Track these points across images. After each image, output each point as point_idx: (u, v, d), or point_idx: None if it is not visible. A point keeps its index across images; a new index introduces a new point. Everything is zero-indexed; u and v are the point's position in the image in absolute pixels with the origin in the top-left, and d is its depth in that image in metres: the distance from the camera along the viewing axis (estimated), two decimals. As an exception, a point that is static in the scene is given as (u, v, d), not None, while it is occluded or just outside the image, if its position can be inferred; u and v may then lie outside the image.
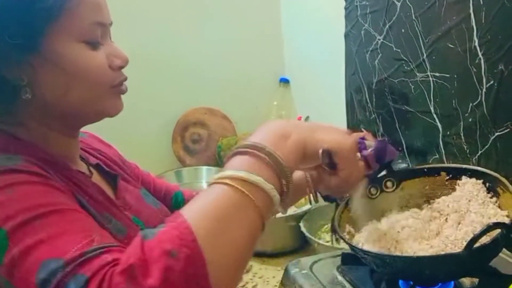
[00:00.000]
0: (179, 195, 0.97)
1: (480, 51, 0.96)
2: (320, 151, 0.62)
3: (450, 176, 0.87)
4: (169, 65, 1.80)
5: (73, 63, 0.65)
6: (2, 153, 0.62)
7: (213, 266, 0.47)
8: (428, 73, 1.10)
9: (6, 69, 0.64)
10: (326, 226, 1.35)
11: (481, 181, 0.82)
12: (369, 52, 1.30)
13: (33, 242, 0.52)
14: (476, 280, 0.80)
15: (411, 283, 0.79)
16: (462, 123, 1.03)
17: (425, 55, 1.10)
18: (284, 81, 1.91)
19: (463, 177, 0.84)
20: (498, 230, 0.69)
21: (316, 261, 0.96)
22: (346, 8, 1.39)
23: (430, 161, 1.15)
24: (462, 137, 1.04)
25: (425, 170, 0.89)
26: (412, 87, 1.16)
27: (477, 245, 0.67)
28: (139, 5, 1.71)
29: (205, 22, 1.81)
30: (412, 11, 1.12)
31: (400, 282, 0.81)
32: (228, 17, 1.84)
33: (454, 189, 0.85)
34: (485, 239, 0.68)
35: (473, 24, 0.96)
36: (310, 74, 1.76)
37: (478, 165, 0.96)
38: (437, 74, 1.08)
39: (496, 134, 0.96)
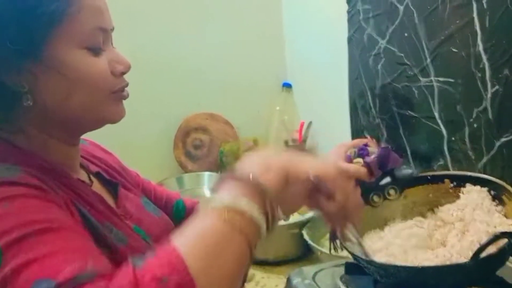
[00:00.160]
0: (180, 203, 0.96)
1: (485, 56, 0.94)
2: (311, 177, 0.61)
3: (454, 183, 0.86)
4: (170, 70, 1.79)
5: (74, 70, 0.65)
6: (0, 163, 0.61)
7: None
8: (432, 78, 1.09)
9: (6, 76, 0.63)
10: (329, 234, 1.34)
11: (486, 188, 0.81)
12: (372, 57, 1.29)
13: (25, 261, 0.51)
14: (482, 290, 0.79)
15: (416, 293, 0.78)
16: (467, 128, 1.02)
17: (428, 59, 1.09)
18: (287, 86, 1.89)
19: (467, 185, 0.84)
20: (505, 240, 0.68)
21: (319, 271, 0.95)
22: (348, 12, 1.38)
23: (435, 167, 1.13)
24: (467, 143, 1.03)
25: (429, 177, 0.89)
26: (416, 92, 1.15)
27: (483, 255, 0.67)
28: (139, 9, 1.71)
29: (206, 27, 1.80)
30: (415, 15, 1.11)
31: (405, 292, 0.80)
32: (230, 22, 1.83)
33: (458, 197, 0.84)
34: (491, 249, 0.68)
35: (477, 28, 0.95)
36: (312, 79, 1.75)
37: (484, 172, 0.95)
38: (441, 79, 1.07)
39: (502, 140, 0.94)
